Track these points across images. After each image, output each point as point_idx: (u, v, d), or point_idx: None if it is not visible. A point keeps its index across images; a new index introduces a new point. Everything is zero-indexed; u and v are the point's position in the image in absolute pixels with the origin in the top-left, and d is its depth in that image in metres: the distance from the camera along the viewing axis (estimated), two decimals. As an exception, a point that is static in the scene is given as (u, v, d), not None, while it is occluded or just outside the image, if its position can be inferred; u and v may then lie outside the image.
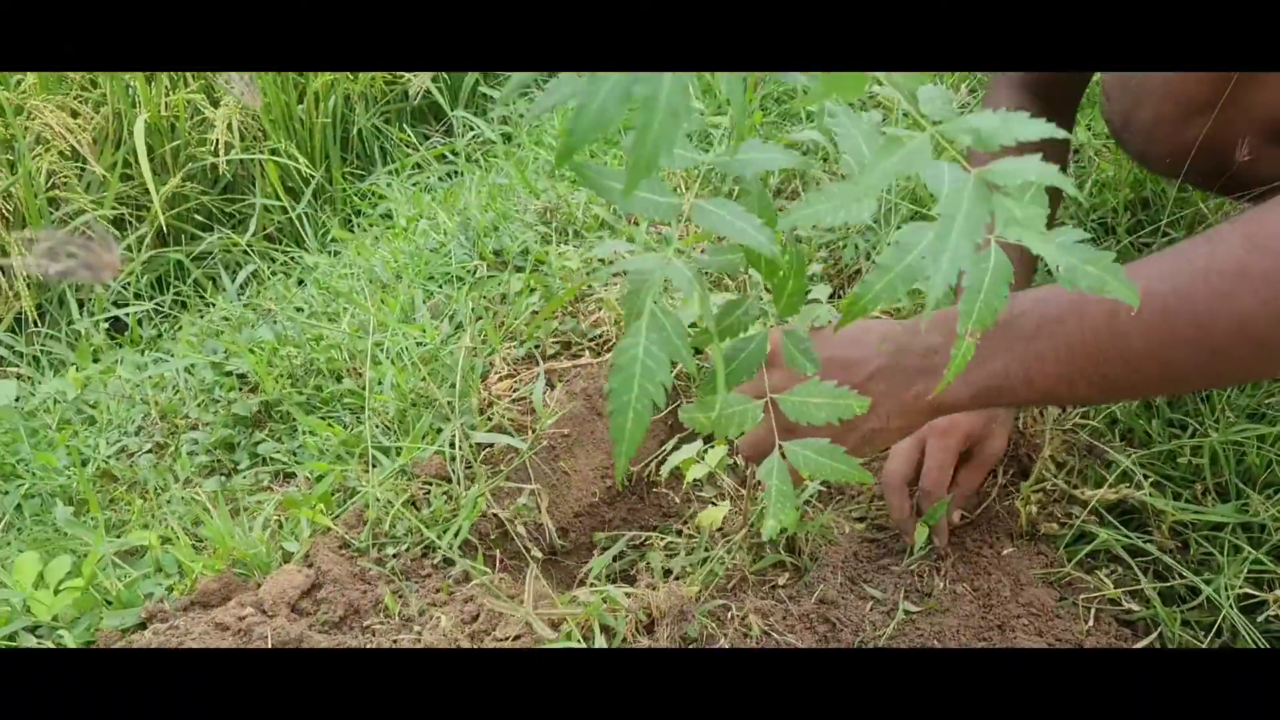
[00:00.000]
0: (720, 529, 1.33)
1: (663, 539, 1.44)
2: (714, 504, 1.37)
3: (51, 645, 1.19)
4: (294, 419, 1.58)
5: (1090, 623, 1.14)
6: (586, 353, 1.55)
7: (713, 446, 1.30)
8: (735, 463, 1.45)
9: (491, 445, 1.42)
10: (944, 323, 0.87)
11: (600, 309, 1.58)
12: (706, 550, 1.24)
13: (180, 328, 2.16)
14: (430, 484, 1.33)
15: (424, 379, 1.45)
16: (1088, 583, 1.18)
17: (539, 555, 1.32)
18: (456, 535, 1.25)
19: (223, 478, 1.51)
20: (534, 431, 1.43)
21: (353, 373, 1.63)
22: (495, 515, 1.32)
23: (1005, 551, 1.21)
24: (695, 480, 1.35)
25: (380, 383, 1.53)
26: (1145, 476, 1.22)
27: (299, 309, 1.94)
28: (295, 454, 1.54)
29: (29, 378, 2.22)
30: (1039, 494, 1.23)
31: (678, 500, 1.51)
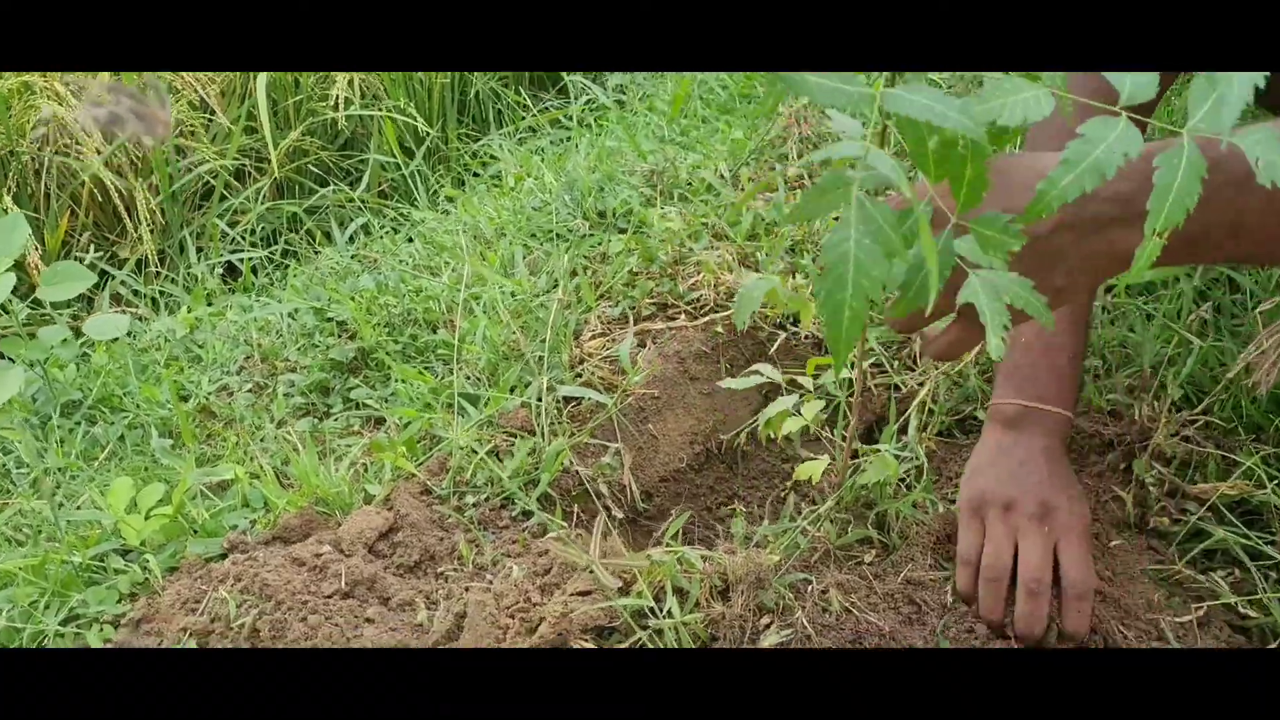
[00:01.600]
0: (814, 488, 1.29)
1: (747, 507, 1.40)
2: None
3: (139, 569, 1.21)
4: (388, 367, 1.58)
5: (1200, 626, 1.07)
6: (683, 315, 1.51)
7: (806, 401, 1.24)
8: (833, 417, 1.40)
9: (579, 401, 1.40)
10: (1137, 166, 0.82)
11: (699, 271, 1.54)
12: (792, 519, 1.20)
13: (290, 275, 2.20)
14: (514, 436, 1.32)
15: (516, 333, 1.43)
16: (1200, 583, 1.11)
17: (619, 515, 1.29)
18: (536, 488, 1.23)
19: (315, 420, 1.52)
20: (622, 391, 1.41)
21: (449, 324, 1.63)
22: (577, 472, 1.30)
23: (1113, 543, 1.14)
24: (788, 437, 1.29)
25: (473, 334, 1.52)
26: (1270, 476, 1.13)
27: (401, 260, 1.95)
28: (387, 400, 1.55)
29: (145, 317, 2.28)
30: (1151, 484, 1.15)
31: (770, 465, 1.46)
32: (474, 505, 1.24)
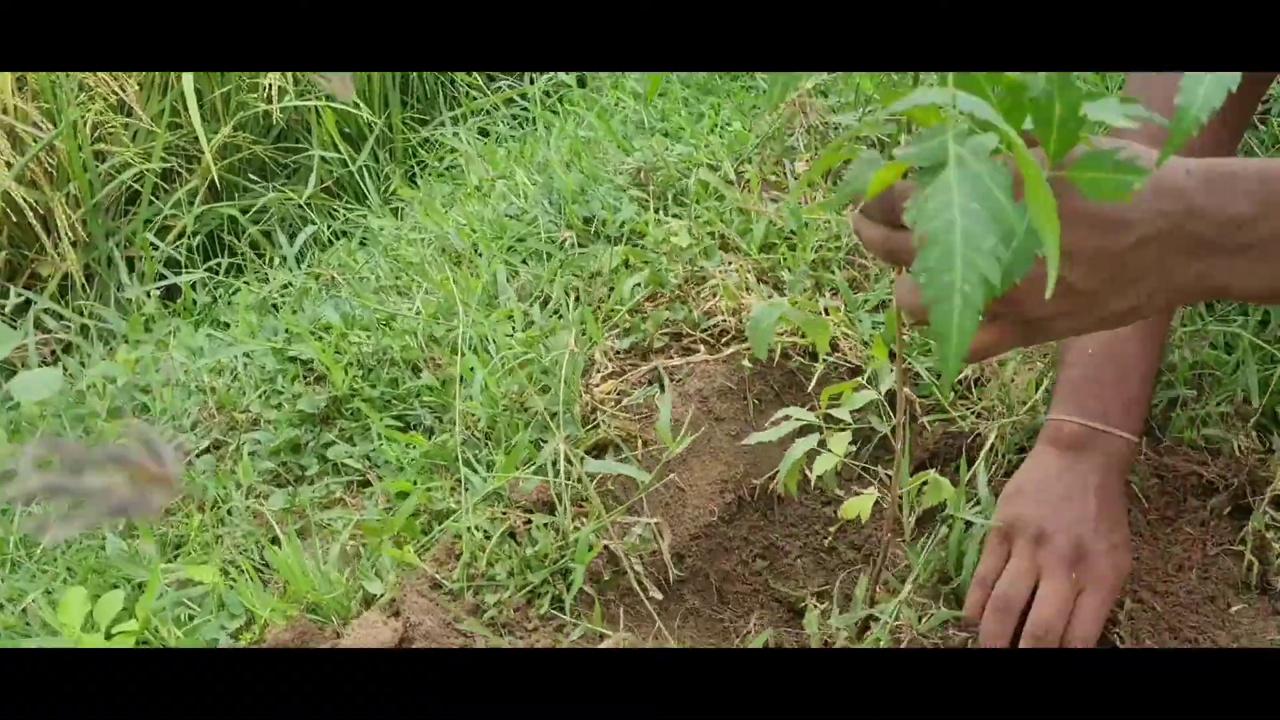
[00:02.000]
0: (866, 523, 1.15)
1: (787, 558, 1.25)
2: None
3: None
4: (367, 416, 1.40)
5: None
6: (701, 347, 1.34)
7: (830, 435, 1.08)
8: (877, 455, 1.25)
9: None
10: (1262, 189, 0.65)
11: (716, 295, 1.37)
12: (864, 601, 1.05)
13: (237, 293, 1.98)
14: (531, 512, 1.14)
15: (520, 386, 1.25)
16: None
17: (657, 596, 1.13)
18: (569, 586, 1.07)
19: (290, 489, 1.34)
20: (644, 444, 1.24)
21: (431, 363, 1.44)
22: (606, 548, 1.14)
23: (1233, 608, 1.00)
24: (821, 478, 1.14)
25: (463, 379, 1.34)
26: None
27: (363, 278, 1.75)
28: (370, 458, 1.37)
29: (78, 347, 2.06)
30: (1272, 538, 1.02)
31: (809, 510, 1.31)
32: (495, 604, 1.07)
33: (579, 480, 1.15)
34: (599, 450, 1.23)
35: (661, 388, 1.32)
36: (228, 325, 1.83)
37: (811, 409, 1.08)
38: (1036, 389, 1.16)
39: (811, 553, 1.30)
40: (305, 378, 1.52)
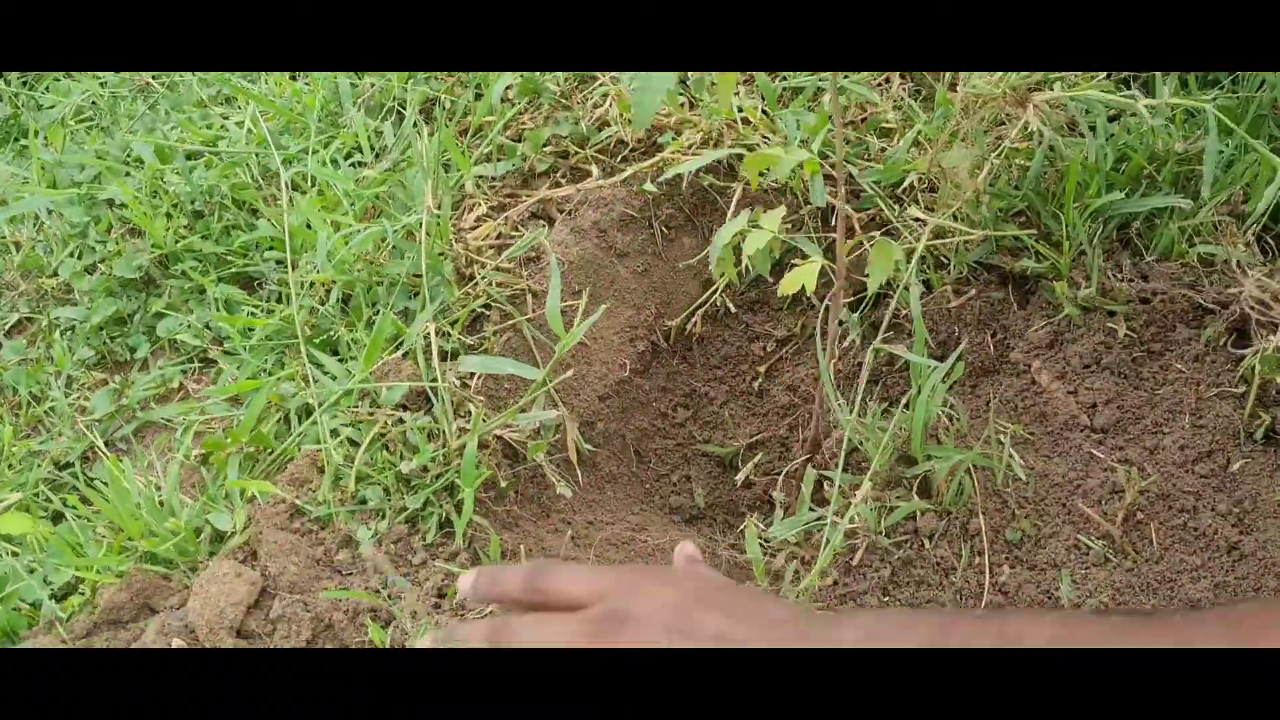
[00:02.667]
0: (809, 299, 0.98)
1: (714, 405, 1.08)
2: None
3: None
4: (200, 275, 1.16)
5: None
6: (594, 168, 1.11)
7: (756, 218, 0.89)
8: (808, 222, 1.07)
9: (479, 318, 1.02)
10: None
11: (607, 100, 1.12)
12: (813, 502, 0.88)
13: (23, 120, 1.65)
14: (405, 410, 0.94)
15: (374, 247, 1.02)
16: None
17: (568, 492, 0.96)
18: (459, 508, 0.88)
19: (114, 384, 1.11)
20: (534, 297, 1.03)
21: (271, 201, 1.19)
22: (501, 439, 0.95)
23: (1232, 466, 0.87)
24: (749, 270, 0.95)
25: (310, 239, 1.09)
26: None
27: (182, 82, 1.44)
28: (211, 328, 1.14)
29: None
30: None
31: (735, 347, 1.13)
32: (373, 536, 0.89)
33: (455, 334, 0.94)
34: (478, 320, 1.02)
35: (549, 224, 1.09)
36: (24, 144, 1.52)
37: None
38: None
39: (739, 397, 1.13)
40: (120, 230, 1.25)
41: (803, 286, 0.84)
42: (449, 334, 0.99)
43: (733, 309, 1.12)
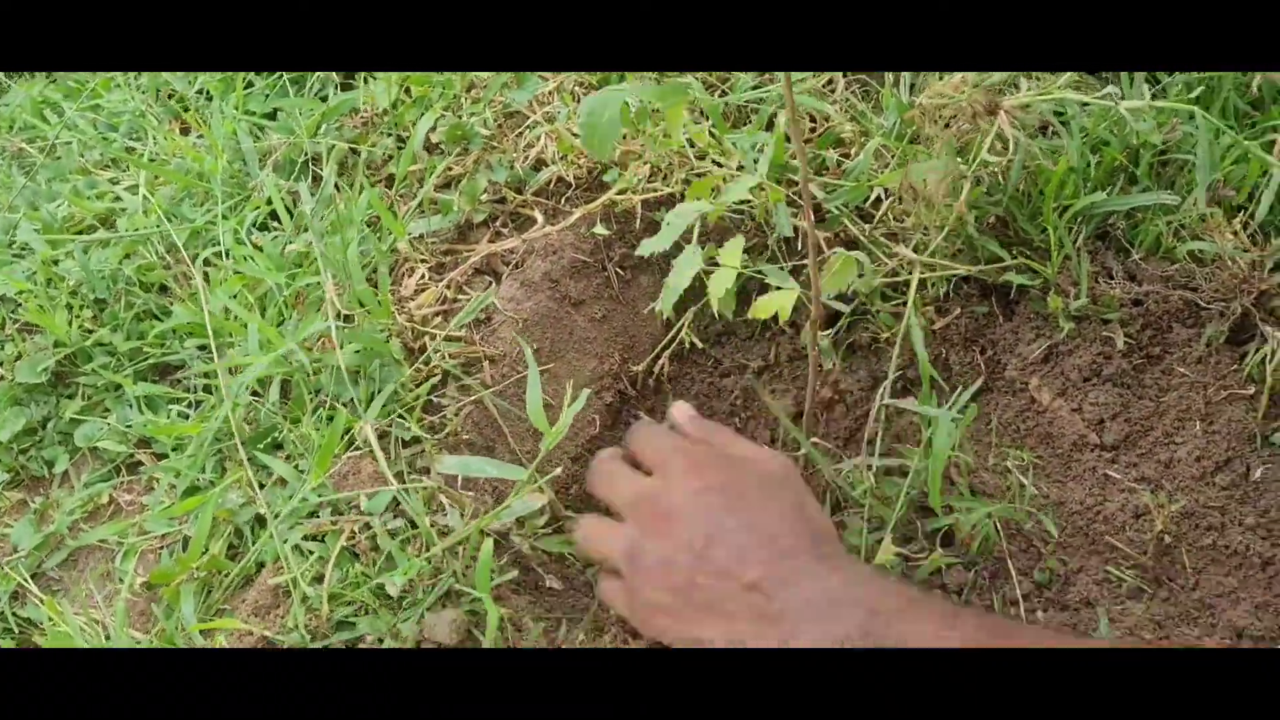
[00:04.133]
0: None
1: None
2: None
3: None
4: (115, 370, 1.06)
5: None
6: (537, 214, 1.03)
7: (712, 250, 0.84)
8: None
9: (438, 400, 0.94)
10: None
11: (544, 140, 1.04)
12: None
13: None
14: (370, 522, 0.86)
15: (311, 334, 0.93)
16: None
17: (556, 585, 0.89)
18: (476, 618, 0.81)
19: (34, 508, 1.00)
20: (492, 363, 0.95)
21: (183, 281, 1.09)
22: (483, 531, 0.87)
23: (1254, 474, 0.83)
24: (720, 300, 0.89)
25: (232, 319, 1.00)
26: None
27: (64, 144, 1.32)
28: (131, 430, 1.03)
29: None
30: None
31: (706, 383, 1.07)
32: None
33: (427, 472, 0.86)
34: (436, 391, 0.94)
35: (495, 279, 1.01)
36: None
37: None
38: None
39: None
40: (15, 325, 1.14)
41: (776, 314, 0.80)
42: (404, 419, 0.91)
43: (700, 344, 1.05)
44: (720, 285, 0.82)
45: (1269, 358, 0.83)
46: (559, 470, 0.92)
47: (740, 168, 0.97)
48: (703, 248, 0.83)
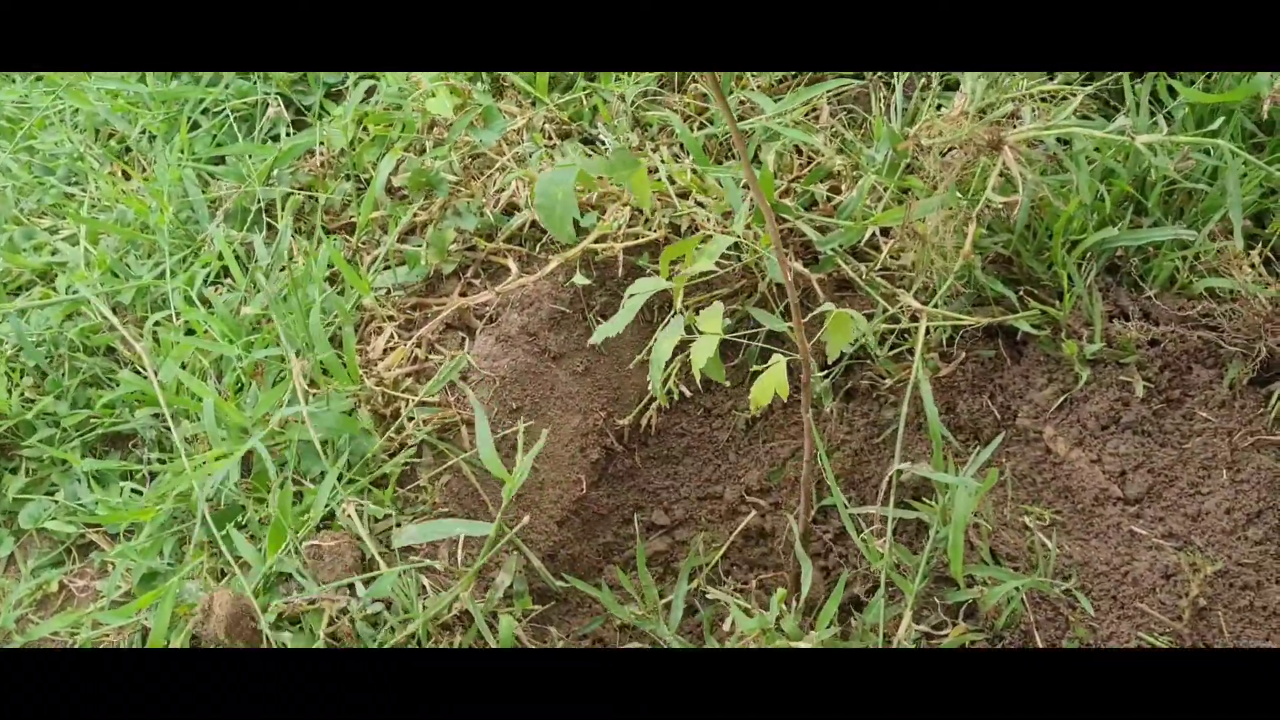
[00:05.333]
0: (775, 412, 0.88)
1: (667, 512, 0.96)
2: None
3: None
4: (63, 442, 0.98)
5: None
6: (510, 263, 0.96)
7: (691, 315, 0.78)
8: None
9: (410, 458, 0.87)
10: None
11: (515, 184, 0.97)
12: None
13: None
14: (349, 591, 0.79)
15: (270, 408, 0.85)
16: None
17: (530, 646, 0.82)
18: None
19: (-20, 598, 0.93)
20: (468, 426, 0.88)
21: (127, 345, 1.01)
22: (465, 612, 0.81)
23: (1287, 531, 0.78)
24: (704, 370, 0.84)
25: (178, 390, 0.92)
26: None
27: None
28: (85, 506, 0.96)
29: None
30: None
31: (697, 436, 1.01)
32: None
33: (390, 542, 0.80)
34: (410, 464, 0.87)
35: (469, 334, 0.94)
36: None
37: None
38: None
39: (705, 501, 1.00)
40: (-48, 396, 1.05)
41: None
42: (373, 492, 0.84)
43: (688, 393, 0.99)
44: (702, 354, 0.75)
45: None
46: (526, 519, 0.85)
47: (727, 213, 0.91)
48: (684, 314, 0.76)
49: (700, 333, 0.75)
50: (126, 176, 1.18)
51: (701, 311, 0.76)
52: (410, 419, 0.88)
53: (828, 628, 0.78)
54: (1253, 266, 0.85)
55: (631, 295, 0.74)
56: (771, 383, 0.75)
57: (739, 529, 0.93)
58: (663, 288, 0.73)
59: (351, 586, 0.81)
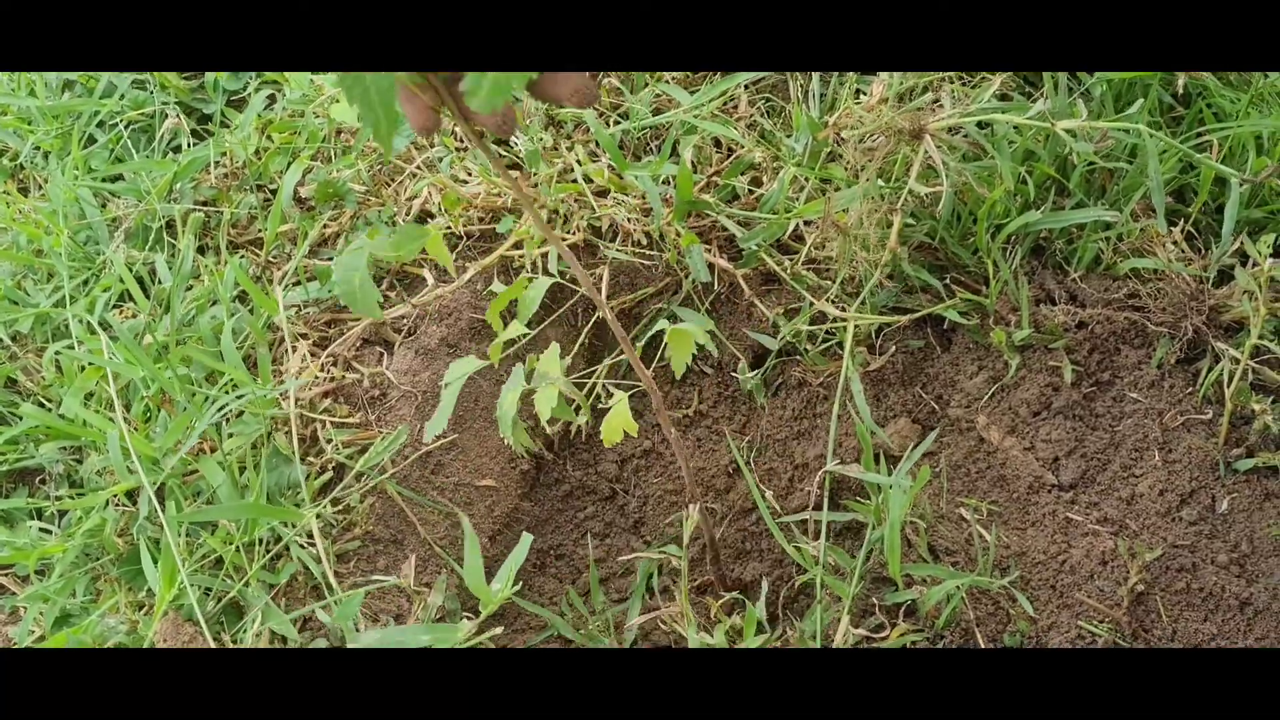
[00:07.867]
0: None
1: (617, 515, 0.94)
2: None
3: None
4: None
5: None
6: (426, 273, 0.93)
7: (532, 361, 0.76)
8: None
9: (333, 476, 0.84)
10: None
11: (427, 190, 0.94)
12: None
13: None
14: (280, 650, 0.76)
15: (181, 434, 0.82)
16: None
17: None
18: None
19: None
20: (390, 456, 0.85)
21: (34, 375, 0.96)
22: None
23: (1221, 505, 0.78)
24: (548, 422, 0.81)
25: (85, 422, 0.88)
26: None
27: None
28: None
29: None
30: (1254, 403, 0.78)
31: (629, 439, 0.99)
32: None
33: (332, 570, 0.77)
34: (338, 473, 0.84)
35: (387, 350, 0.91)
36: None
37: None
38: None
39: (652, 501, 0.98)
40: None
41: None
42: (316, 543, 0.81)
43: (514, 442, 0.96)
44: (545, 405, 0.72)
45: (1225, 379, 0.78)
46: (499, 629, 0.81)
47: (648, 210, 0.89)
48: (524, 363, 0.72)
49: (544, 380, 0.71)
50: (24, 191, 1.13)
51: (541, 356, 0.73)
52: (329, 442, 0.84)
53: (756, 635, 0.76)
54: (1175, 244, 0.84)
55: (448, 384, 0.71)
56: (619, 422, 0.72)
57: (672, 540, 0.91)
58: (480, 366, 0.70)
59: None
